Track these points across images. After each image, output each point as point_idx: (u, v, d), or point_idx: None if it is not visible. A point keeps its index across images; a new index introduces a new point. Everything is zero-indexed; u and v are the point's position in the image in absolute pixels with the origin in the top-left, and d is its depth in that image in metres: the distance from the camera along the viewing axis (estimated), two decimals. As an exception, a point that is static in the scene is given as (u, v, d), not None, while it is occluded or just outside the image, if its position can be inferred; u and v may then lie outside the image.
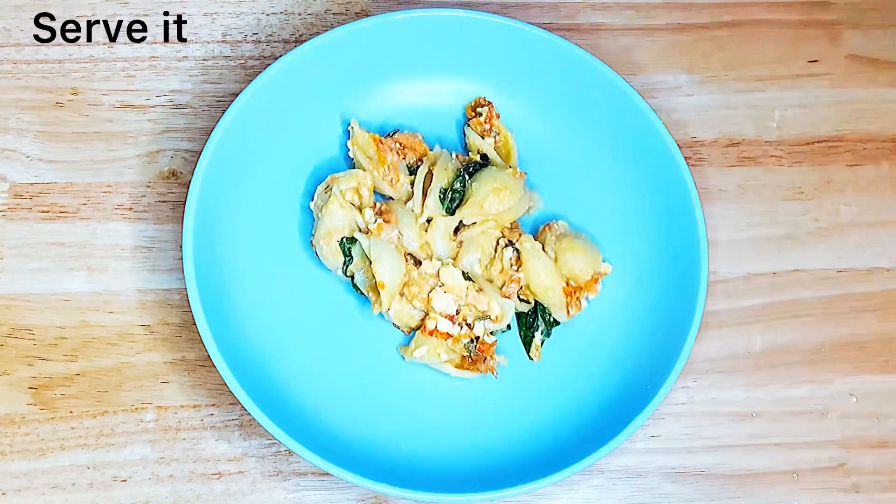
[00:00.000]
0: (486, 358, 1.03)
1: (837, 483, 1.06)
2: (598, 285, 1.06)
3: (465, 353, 1.03)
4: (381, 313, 1.04)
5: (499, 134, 1.09)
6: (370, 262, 1.02)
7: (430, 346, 1.03)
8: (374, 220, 1.03)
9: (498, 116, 1.10)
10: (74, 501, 1.00)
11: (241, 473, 1.02)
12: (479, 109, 1.10)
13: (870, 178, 1.15)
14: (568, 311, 1.04)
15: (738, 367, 1.08)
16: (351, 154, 1.07)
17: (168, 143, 1.10)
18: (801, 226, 1.13)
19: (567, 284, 1.05)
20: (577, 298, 1.05)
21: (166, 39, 1.14)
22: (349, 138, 1.07)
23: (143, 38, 1.13)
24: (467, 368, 1.03)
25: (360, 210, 1.04)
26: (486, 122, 1.09)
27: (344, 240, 1.03)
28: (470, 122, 1.10)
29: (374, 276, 1.02)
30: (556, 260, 1.05)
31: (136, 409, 1.03)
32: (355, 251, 1.03)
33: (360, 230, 1.03)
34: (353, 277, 1.04)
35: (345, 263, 1.04)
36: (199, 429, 1.03)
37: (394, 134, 1.08)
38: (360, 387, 1.03)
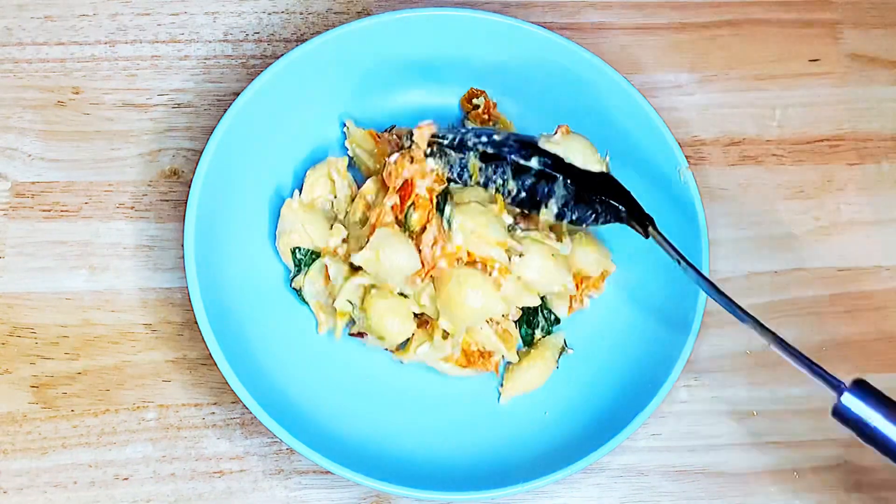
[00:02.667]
0: (486, 355, 1.03)
1: (839, 481, 1.05)
2: (603, 284, 1.06)
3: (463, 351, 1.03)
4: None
5: (498, 122, 1.09)
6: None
7: (432, 342, 1.02)
8: (340, 239, 1.03)
9: (495, 106, 1.10)
10: (76, 500, 1.00)
11: (243, 472, 1.02)
12: (475, 101, 1.10)
13: (871, 176, 1.15)
14: (571, 306, 1.04)
15: (740, 365, 1.08)
16: (350, 153, 1.07)
17: (169, 142, 1.10)
18: (802, 225, 1.13)
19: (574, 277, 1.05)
20: (582, 295, 1.05)
21: (168, 38, 1.14)
22: (347, 138, 1.08)
23: (145, 38, 1.13)
24: (468, 367, 1.03)
25: (332, 204, 1.04)
26: (484, 113, 1.09)
27: (296, 251, 1.04)
28: (469, 116, 1.10)
29: (333, 299, 1.03)
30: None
31: (138, 407, 1.03)
32: (316, 269, 1.03)
33: (326, 253, 1.03)
34: (299, 290, 1.04)
35: (294, 274, 1.04)
36: (201, 427, 1.03)
37: (391, 129, 1.08)
38: (361, 385, 1.03)
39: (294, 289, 1.04)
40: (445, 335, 1.01)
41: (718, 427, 1.06)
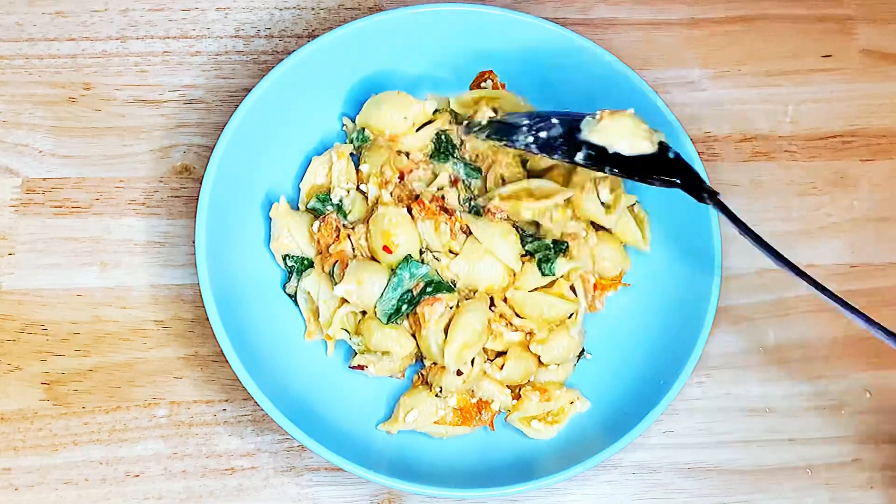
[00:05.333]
0: (483, 409, 1.02)
1: (851, 479, 1.05)
2: (620, 285, 1.05)
3: (458, 407, 1.02)
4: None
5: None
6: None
7: (421, 407, 1.01)
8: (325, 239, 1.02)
9: (503, 86, 1.09)
10: (87, 497, 1.00)
11: (254, 469, 1.02)
12: (483, 85, 1.10)
13: (884, 173, 1.14)
14: (594, 305, 1.04)
15: (752, 362, 1.08)
16: (353, 149, 1.07)
17: (181, 139, 1.10)
18: (815, 221, 1.13)
19: (599, 277, 1.04)
20: (595, 299, 1.04)
21: (179, 34, 1.14)
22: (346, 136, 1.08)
23: (156, 33, 1.13)
24: (463, 424, 1.02)
25: (330, 190, 1.03)
26: None
27: (287, 258, 1.04)
28: None
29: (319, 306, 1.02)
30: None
31: (149, 404, 1.03)
32: (311, 287, 1.03)
33: (311, 262, 1.03)
34: (293, 295, 1.04)
35: (286, 279, 1.04)
36: (212, 424, 1.03)
37: None
38: (372, 381, 1.03)
39: (288, 294, 1.04)
40: (439, 391, 1.01)
41: (731, 424, 1.06)
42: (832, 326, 1.09)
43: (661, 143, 0.96)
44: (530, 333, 1.01)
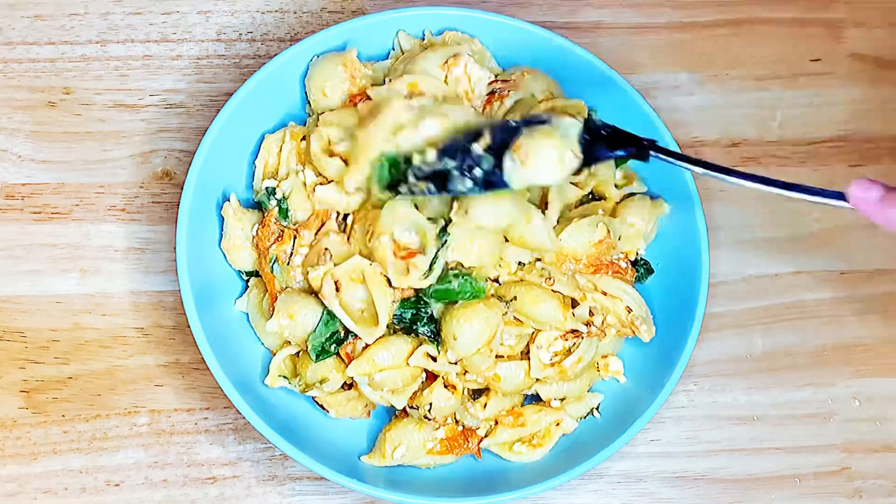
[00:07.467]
0: (469, 437, 1.01)
1: (840, 487, 1.05)
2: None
3: (446, 437, 1.00)
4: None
5: None
6: None
7: (409, 441, 0.98)
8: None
9: None
10: (66, 506, 1.00)
11: (236, 478, 1.01)
12: None
13: (873, 178, 1.13)
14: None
15: (739, 370, 1.07)
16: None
17: (161, 144, 1.09)
18: (804, 227, 1.12)
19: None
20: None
21: (160, 38, 1.13)
22: None
23: (136, 37, 1.12)
24: (451, 452, 1.00)
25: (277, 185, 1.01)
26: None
27: (241, 273, 1.03)
28: None
29: None
30: None
31: (130, 412, 1.02)
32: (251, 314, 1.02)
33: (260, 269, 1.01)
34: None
35: (239, 293, 1.03)
36: (193, 433, 1.02)
37: None
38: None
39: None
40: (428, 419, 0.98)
41: (718, 432, 1.06)
42: (820, 334, 1.09)
43: (588, 127, 0.92)
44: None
